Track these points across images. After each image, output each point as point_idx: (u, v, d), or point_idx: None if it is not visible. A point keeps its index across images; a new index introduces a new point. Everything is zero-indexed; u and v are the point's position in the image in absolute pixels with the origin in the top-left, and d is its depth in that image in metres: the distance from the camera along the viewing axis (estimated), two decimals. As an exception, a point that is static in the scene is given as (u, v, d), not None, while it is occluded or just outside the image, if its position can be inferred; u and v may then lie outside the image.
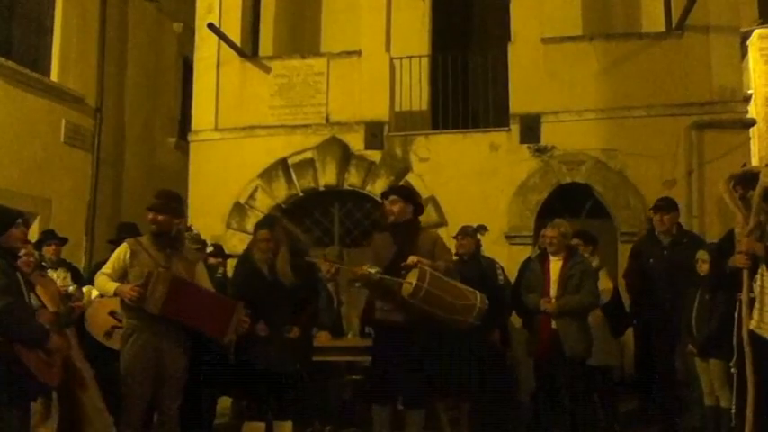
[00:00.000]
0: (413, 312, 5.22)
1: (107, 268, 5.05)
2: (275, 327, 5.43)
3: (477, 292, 5.36)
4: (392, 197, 5.62)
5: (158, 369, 4.94)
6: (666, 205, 6.82)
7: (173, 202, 5.19)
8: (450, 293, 5.20)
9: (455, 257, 7.23)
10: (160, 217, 5.03)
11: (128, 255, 5.00)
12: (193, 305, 4.95)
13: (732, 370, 5.02)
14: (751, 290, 4.05)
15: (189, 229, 7.30)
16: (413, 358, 5.40)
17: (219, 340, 5.15)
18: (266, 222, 5.86)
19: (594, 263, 6.86)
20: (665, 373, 6.55)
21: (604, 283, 6.81)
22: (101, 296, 5.74)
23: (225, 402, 6.94)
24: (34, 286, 4.87)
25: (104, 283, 5.00)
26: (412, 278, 5.12)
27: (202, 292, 5.11)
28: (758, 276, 4.03)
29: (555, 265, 6.15)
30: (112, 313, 5.83)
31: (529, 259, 6.74)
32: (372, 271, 5.29)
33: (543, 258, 6.30)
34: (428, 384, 5.76)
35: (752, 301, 4.05)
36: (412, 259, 5.23)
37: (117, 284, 4.91)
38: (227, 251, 8.49)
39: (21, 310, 4.17)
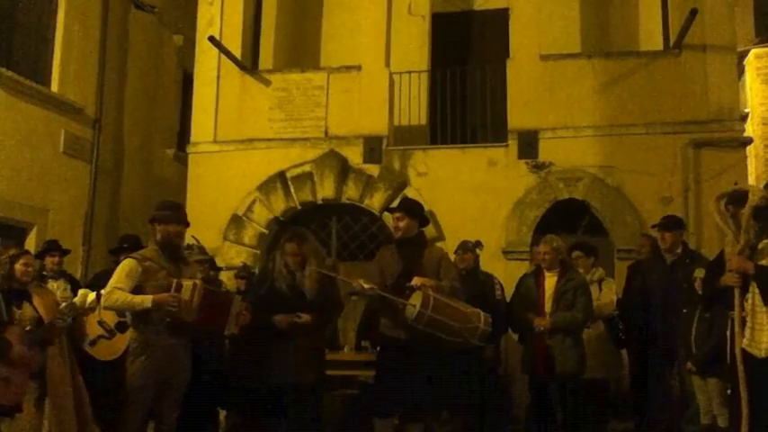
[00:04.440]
0: (416, 331, 5.15)
1: (119, 282, 4.89)
2: (293, 342, 5.35)
3: (482, 314, 5.27)
4: (397, 214, 5.52)
5: (165, 381, 4.93)
6: (669, 223, 6.76)
7: (180, 212, 5.19)
8: (453, 317, 5.12)
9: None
10: (171, 227, 5.03)
11: (140, 270, 4.91)
12: (212, 309, 4.97)
13: (728, 391, 5.00)
14: (743, 308, 4.05)
15: (194, 243, 7.33)
16: (417, 374, 5.31)
17: (221, 333, 5.13)
18: (296, 235, 5.71)
19: (597, 274, 6.87)
20: (661, 392, 6.53)
21: (609, 295, 6.80)
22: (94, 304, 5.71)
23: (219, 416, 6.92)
24: (31, 297, 4.87)
25: (130, 296, 4.83)
26: (415, 301, 5.06)
27: (216, 295, 5.16)
28: (749, 295, 4.04)
29: (549, 280, 6.15)
30: (101, 323, 5.82)
31: (525, 275, 6.73)
32: (366, 286, 5.22)
33: (538, 274, 6.31)
34: (427, 400, 5.75)
35: (744, 320, 4.05)
36: (416, 281, 5.15)
37: (151, 296, 4.80)
38: (223, 263, 8.52)
39: None
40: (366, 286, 5.24)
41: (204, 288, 4.93)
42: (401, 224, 5.45)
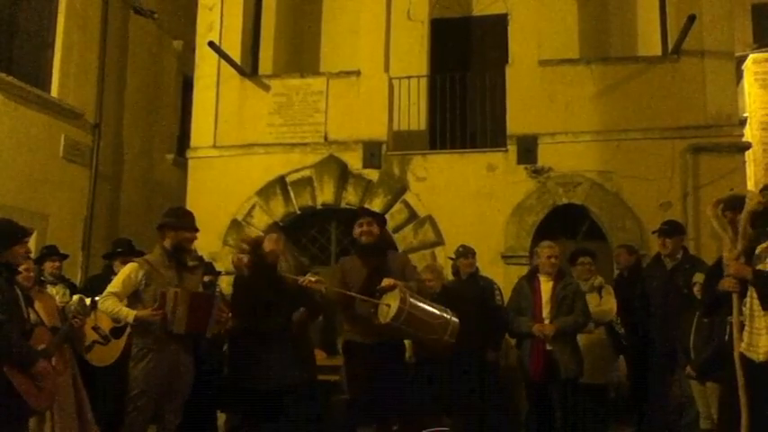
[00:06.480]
0: (384, 335, 5.18)
1: (116, 287, 4.95)
2: (273, 343, 5.40)
3: (448, 309, 5.29)
4: (368, 219, 5.59)
5: (168, 385, 4.95)
6: (670, 229, 6.77)
7: (192, 219, 5.25)
8: (427, 313, 5.16)
9: (453, 277, 7.31)
10: (182, 234, 5.09)
11: (140, 275, 4.95)
12: (198, 313, 4.98)
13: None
14: (741, 313, 4.06)
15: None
16: (396, 377, 5.37)
17: (203, 334, 5.14)
18: (275, 233, 5.88)
19: (598, 281, 6.88)
20: (660, 394, 6.54)
21: (610, 301, 6.80)
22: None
23: (219, 419, 6.92)
24: (33, 302, 4.88)
25: (118, 307, 4.90)
26: (391, 300, 5.03)
27: (200, 298, 5.16)
28: (747, 299, 4.05)
29: (545, 285, 6.13)
30: (96, 328, 5.83)
31: (520, 280, 6.68)
32: (313, 279, 5.27)
33: (532, 278, 6.28)
34: (425, 402, 5.75)
35: (742, 324, 4.06)
36: (388, 282, 5.13)
37: (134, 312, 4.86)
38: (223, 268, 8.51)
39: (10, 329, 4.15)
40: (313, 279, 5.27)
41: (188, 295, 4.93)
42: (374, 229, 5.53)
